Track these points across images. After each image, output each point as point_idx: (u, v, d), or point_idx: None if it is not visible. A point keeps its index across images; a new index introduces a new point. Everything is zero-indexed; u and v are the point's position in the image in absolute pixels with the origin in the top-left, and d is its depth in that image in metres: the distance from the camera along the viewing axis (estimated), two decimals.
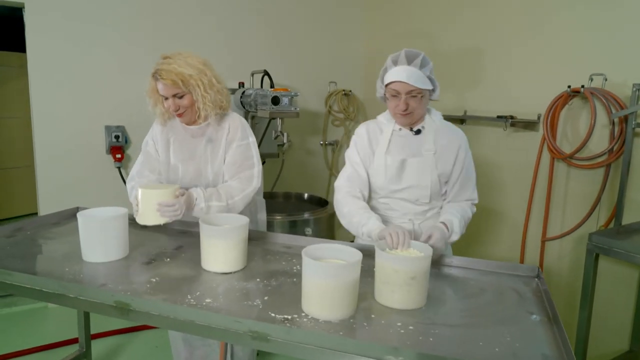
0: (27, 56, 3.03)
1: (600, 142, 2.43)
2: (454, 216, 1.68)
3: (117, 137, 3.23)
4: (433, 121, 1.75)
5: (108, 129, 3.23)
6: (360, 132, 1.82)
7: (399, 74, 1.58)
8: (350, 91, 4.00)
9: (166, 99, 1.84)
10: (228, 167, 1.91)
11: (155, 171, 1.99)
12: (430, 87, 1.63)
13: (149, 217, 1.70)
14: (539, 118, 2.71)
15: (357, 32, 4.09)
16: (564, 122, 2.59)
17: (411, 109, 1.63)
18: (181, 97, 1.82)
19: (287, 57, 3.81)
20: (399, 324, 1.20)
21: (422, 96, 1.63)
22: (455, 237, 1.69)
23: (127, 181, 1.99)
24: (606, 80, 2.36)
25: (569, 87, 2.43)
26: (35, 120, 3.09)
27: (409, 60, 1.59)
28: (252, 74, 3.32)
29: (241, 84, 3.30)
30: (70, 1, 3.06)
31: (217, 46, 3.51)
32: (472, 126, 3.06)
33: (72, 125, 3.17)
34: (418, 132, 1.74)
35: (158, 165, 1.99)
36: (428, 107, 1.77)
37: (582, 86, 2.37)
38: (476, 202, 1.82)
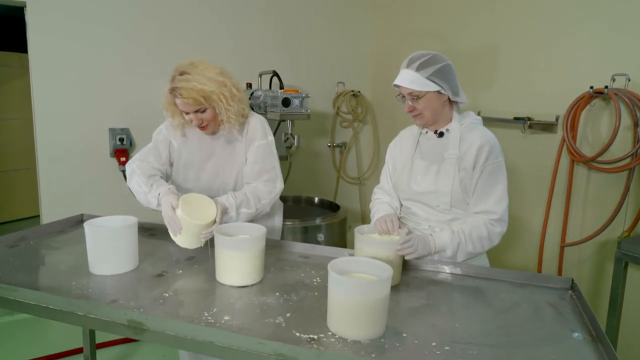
0: (28, 57, 2.95)
1: (621, 145, 2.34)
2: (450, 231, 1.59)
3: (121, 139, 3.15)
4: (462, 124, 1.68)
5: (112, 131, 3.15)
6: (399, 137, 1.88)
7: (398, 77, 1.63)
8: (359, 92, 3.92)
9: (186, 113, 1.76)
10: (250, 166, 1.86)
11: (161, 160, 1.90)
12: (432, 89, 1.59)
13: (189, 242, 1.65)
14: (557, 120, 2.63)
15: (365, 32, 4.01)
16: (584, 124, 2.51)
17: (418, 110, 1.64)
18: (203, 112, 1.75)
19: (294, 57, 3.72)
20: (433, 343, 1.12)
21: (423, 98, 1.61)
22: (448, 253, 1.59)
23: (127, 163, 1.88)
24: (629, 80, 2.28)
25: (592, 87, 2.35)
26: (37, 122, 3.00)
27: (408, 64, 1.61)
28: (260, 75, 3.23)
29: (249, 85, 3.22)
30: (73, 1, 2.97)
31: (223, 46, 3.43)
32: (487, 128, 2.98)
33: (75, 127, 3.08)
34: (441, 134, 1.70)
35: (166, 154, 1.91)
36: (470, 112, 1.75)
37: (606, 87, 2.29)
38: (496, 217, 1.60)
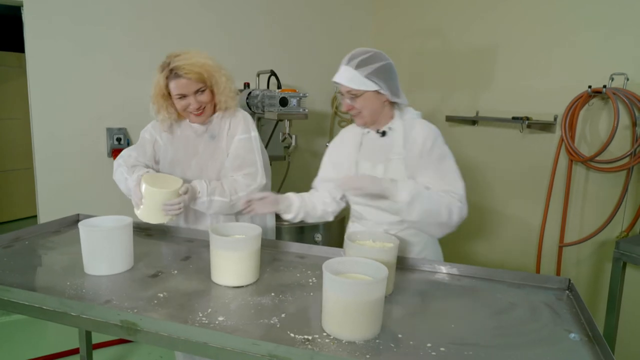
0: (25, 56, 2.94)
1: (620, 144, 2.34)
2: (413, 181, 1.53)
3: (118, 139, 3.14)
4: (403, 121, 1.62)
5: (110, 131, 3.14)
6: (339, 137, 1.80)
7: (337, 74, 1.58)
8: None
9: (182, 98, 1.75)
10: (230, 161, 1.85)
11: (145, 156, 1.91)
12: (370, 88, 1.53)
13: (152, 216, 1.69)
14: (555, 119, 2.62)
15: (364, 31, 4.00)
16: (583, 124, 2.50)
17: (357, 110, 1.59)
18: (203, 92, 1.76)
19: (292, 56, 3.72)
20: (429, 344, 1.11)
21: (362, 97, 1.55)
22: (402, 197, 1.45)
23: (115, 160, 1.91)
24: (628, 80, 2.27)
25: (590, 87, 2.34)
26: (34, 122, 2.99)
27: (348, 60, 1.56)
28: (258, 74, 3.23)
29: (246, 85, 3.21)
30: (71, 1, 2.96)
31: (221, 46, 3.42)
32: (485, 127, 2.97)
33: (73, 127, 3.08)
34: (383, 133, 1.64)
35: (150, 151, 1.93)
36: (409, 107, 1.67)
37: (604, 86, 2.28)
38: (460, 194, 1.52)
